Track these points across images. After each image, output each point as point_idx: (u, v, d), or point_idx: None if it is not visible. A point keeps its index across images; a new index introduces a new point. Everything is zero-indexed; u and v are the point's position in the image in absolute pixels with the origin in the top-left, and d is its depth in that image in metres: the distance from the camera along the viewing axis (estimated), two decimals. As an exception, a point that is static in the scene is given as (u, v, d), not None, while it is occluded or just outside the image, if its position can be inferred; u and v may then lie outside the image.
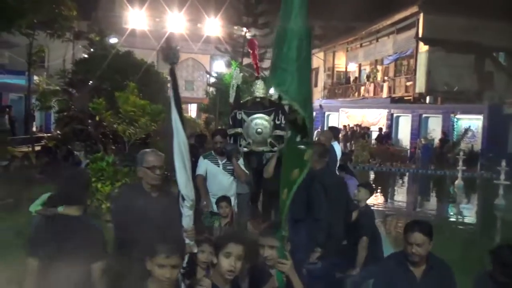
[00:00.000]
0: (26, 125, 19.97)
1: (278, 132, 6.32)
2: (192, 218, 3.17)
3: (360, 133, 25.22)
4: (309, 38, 2.68)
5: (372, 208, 5.82)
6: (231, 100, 6.70)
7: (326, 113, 29.74)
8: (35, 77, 19.80)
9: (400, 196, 16.22)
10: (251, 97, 6.61)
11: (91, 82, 10.19)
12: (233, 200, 5.45)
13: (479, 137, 21.56)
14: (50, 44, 18.91)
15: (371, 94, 28.55)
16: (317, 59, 33.57)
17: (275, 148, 6.19)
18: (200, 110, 18.38)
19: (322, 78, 34.42)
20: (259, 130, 6.30)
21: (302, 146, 2.66)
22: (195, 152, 5.83)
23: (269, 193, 5.71)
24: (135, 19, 31.96)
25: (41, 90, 17.73)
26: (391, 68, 28.35)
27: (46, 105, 17.33)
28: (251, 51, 7.63)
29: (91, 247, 2.79)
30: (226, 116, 6.64)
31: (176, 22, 31.86)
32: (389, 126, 25.36)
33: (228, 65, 21.96)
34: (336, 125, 26.28)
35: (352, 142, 23.93)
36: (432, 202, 15.11)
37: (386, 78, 28.33)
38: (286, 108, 6.60)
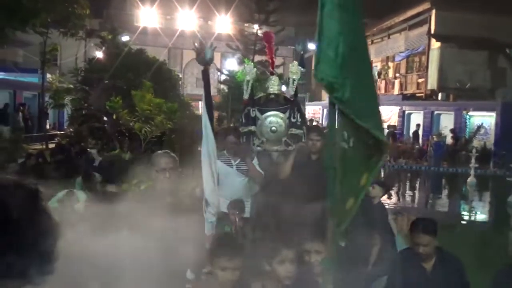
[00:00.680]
0: (39, 123, 20.21)
1: (294, 131, 5.98)
2: (215, 225, 3.12)
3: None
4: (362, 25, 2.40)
5: (384, 205, 5.87)
6: (246, 96, 6.28)
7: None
8: (48, 75, 20.03)
9: (412, 193, 16.18)
10: (265, 94, 6.25)
11: (106, 81, 10.30)
12: (248, 203, 5.27)
13: (492, 134, 21.38)
14: (63, 42, 19.11)
15: (383, 91, 28.45)
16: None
17: (290, 147, 5.84)
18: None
19: (333, 75, 34.35)
20: (273, 128, 5.91)
21: (370, 142, 2.33)
22: None
23: (283, 196, 5.29)
24: (146, 17, 32.09)
25: (54, 88, 17.95)
26: (403, 64, 28.23)
27: (59, 103, 17.56)
28: (266, 44, 7.22)
29: None
30: (239, 113, 6.47)
31: (187, 20, 31.95)
32: (401, 123, 25.24)
33: (240, 62, 21.99)
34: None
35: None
36: (444, 200, 15.05)
37: (397, 75, 28.22)
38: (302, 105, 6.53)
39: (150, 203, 3.31)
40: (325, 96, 33.74)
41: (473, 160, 15.30)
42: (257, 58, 20.95)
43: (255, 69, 6.30)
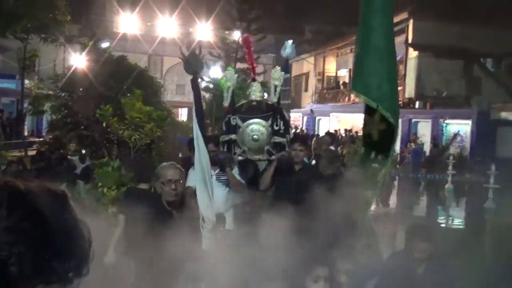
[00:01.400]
0: (18, 130, 19.92)
1: (276, 139, 5.65)
2: (213, 241, 3.02)
3: (349, 137, 25.47)
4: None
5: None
6: (226, 103, 5.94)
7: (317, 118, 29.99)
8: (26, 81, 19.78)
9: (391, 199, 16.44)
10: (247, 101, 5.93)
11: (87, 88, 10.29)
12: (230, 214, 5.06)
13: (468, 142, 21.90)
14: (42, 48, 18.91)
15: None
16: (308, 64, 33.85)
17: (273, 157, 5.53)
18: (195, 115, 18.48)
19: (312, 83, 34.72)
20: (255, 136, 5.56)
21: (376, 165, 2.37)
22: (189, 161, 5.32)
23: (264, 207, 5.05)
24: (126, 23, 31.98)
25: (33, 95, 17.74)
26: (381, 73, 28.71)
27: (39, 110, 17.35)
28: (246, 50, 6.87)
29: None
30: (222, 121, 6.27)
31: (167, 27, 31.94)
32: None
33: (223, 70, 22.08)
34: (327, 130, 26.55)
35: (341, 147, 24.17)
36: (422, 206, 15.34)
37: (376, 83, 28.69)
38: (285, 112, 6.14)
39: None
40: (304, 103, 34.06)
41: (450, 167, 15.65)
42: (239, 66, 21.09)
43: (236, 75, 6.10)
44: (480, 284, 3.71)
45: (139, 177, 3.37)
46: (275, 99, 5.83)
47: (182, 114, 34.14)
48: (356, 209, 5.55)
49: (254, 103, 5.80)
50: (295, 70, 36.81)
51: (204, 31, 31.33)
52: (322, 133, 24.03)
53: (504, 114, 21.73)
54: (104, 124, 6.08)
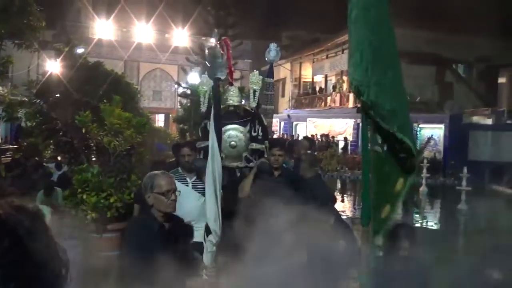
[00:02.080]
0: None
1: (255, 146, 5.42)
2: (215, 255, 2.84)
3: (325, 142, 25.78)
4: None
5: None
6: (203, 109, 5.65)
7: (294, 123, 30.24)
8: (-1, 88, 19.41)
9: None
10: (224, 106, 5.54)
11: (61, 94, 10.20)
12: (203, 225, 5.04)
13: (441, 145, 22.40)
14: (15, 53, 18.60)
15: (338, 104, 29.23)
16: (284, 70, 34.14)
17: (251, 164, 5.27)
18: (174, 121, 18.38)
19: (289, 88, 35.01)
20: (232, 143, 5.30)
21: (403, 155, 2.20)
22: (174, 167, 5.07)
23: (245, 215, 4.62)
24: (102, 29, 31.74)
25: (7, 101, 17.40)
26: (356, 78, 29.11)
27: (13, 116, 17.02)
28: (223, 53, 6.88)
29: None
30: (198, 127, 5.98)
31: (143, 33, 31.82)
32: (356, 135, 26.01)
33: (201, 75, 22.06)
34: (304, 135, 26.78)
35: (316, 152, 24.44)
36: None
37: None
38: (264, 118, 5.78)
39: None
40: (281, 108, 34.31)
41: (424, 170, 15.99)
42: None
43: (211, 80, 5.87)
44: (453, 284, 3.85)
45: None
46: (254, 104, 5.59)
47: (159, 120, 34.02)
48: (334, 213, 5.70)
49: (232, 108, 5.52)
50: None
51: (181, 37, 31.32)
52: (300, 138, 24.25)
53: (475, 118, 22.33)
54: (83, 130, 6.05)
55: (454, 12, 21.54)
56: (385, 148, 2.31)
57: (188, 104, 16.55)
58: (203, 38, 26.79)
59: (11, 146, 19.53)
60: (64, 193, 6.42)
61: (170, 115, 29.58)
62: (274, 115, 33.33)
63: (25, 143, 14.91)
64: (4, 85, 20.97)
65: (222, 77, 3.21)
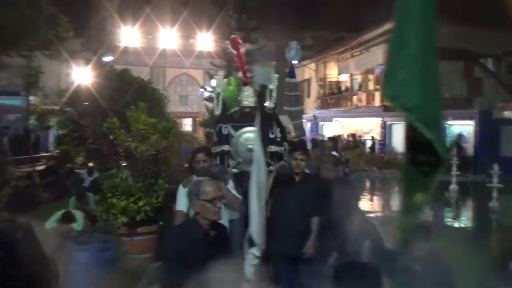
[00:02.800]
0: (24, 145, 20.13)
1: (273, 148, 5.13)
2: (257, 268, 2.69)
3: (352, 142, 25.59)
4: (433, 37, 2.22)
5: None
6: (217, 111, 5.40)
7: (320, 123, 30.12)
8: (31, 97, 20.05)
9: (397, 201, 16.52)
10: (239, 108, 5.31)
11: (88, 103, 10.52)
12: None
13: (471, 142, 21.95)
14: (45, 64, 19.18)
15: (364, 103, 28.97)
16: (309, 70, 34.05)
17: (270, 167, 4.98)
18: (200, 125, 18.61)
19: (314, 89, 34.89)
20: (250, 146, 4.92)
21: (427, 167, 2.14)
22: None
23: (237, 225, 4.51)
24: (128, 37, 32.30)
25: (39, 110, 17.98)
26: (382, 77, 28.78)
27: (45, 125, 17.57)
28: (235, 52, 6.28)
29: None
30: (213, 131, 5.73)
31: (168, 38, 32.25)
32: (383, 134, 25.72)
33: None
34: (330, 135, 26.67)
35: (342, 152, 24.26)
36: (428, 206, 15.39)
37: (378, 87, 28.79)
38: (282, 118, 5.77)
39: None
40: (308, 109, 34.20)
41: (454, 168, 15.71)
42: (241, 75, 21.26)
43: (225, 80, 5.60)
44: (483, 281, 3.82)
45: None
46: (271, 104, 5.37)
47: (186, 124, 34.40)
48: (359, 211, 5.70)
49: (247, 109, 5.22)
50: (297, 77, 36.96)
51: (205, 41, 31.61)
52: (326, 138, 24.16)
53: (506, 113, 21.80)
54: (111, 137, 6.23)
55: (481, 6, 21.11)
56: (412, 158, 2.26)
57: (212, 108, 16.75)
58: (227, 42, 27.02)
59: (44, 154, 20.09)
60: (96, 198, 6.60)
61: (197, 119, 29.85)
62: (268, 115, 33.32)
63: (57, 151, 15.35)
64: (35, 95, 21.67)
65: (268, 84, 3.15)
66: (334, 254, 4.68)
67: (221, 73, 5.52)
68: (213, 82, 21.08)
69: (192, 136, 19.42)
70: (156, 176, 5.80)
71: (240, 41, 6.26)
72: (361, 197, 13.43)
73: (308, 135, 30.52)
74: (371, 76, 29.69)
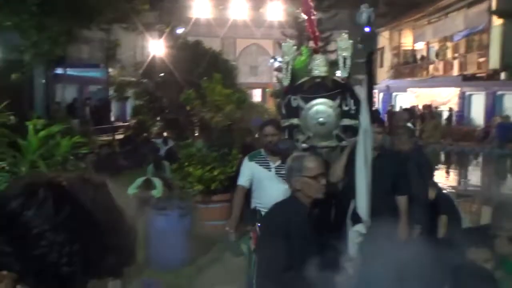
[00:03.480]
0: (105, 115, 21.26)
1: (347, 122, 4.77)
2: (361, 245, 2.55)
3: (427, 113, 24.59)
4: None
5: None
6: (285, 82, 5.02)
7: (394, 94, 29.16)
8: (109, 69, 20.98)
9: (474, 176, 15.82)
10: (309, 77, 4.90)
11: (168, 73, 10.84)
12: None
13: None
14: (122, 37, 19.92)
15: (441, 72, 27.62)
16: (382, 38, 32.84)
17: (344, 143, 4.68)
18: (270, 95, 18.69)
19: (388, 58, 33.68)
20: (321, 120, 4.67)
21: None
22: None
23: (340, 202, 4.14)
24: (199, 8, 32.70)
25: (117, 82, 18.81)
26: (462, 44, 27.22)
27: (123, 96, 18.39)
28: (305, 16, 5.76)
29: None
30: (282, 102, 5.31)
31: (238, 9, 32.29)
32: (461, 105, 24.50)
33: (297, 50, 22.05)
34: (405, 106, 25.78)
35: (417, 124, 23.39)
36: (509, 183, 14.62)
37: (456, 55, 27.28)
38: (357, 88, 4.91)
39: None
40: (380, 79, 33.19)
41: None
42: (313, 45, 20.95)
43: (294, 47, 5.11)
44: None
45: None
46: (344, 74, 4.91)
47: (256, 95, 34.65)
48: (435, 184, 5.52)
49: (318, 79, 4.83)
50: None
51: (275, 11, 31.32)
52: (399, 109, 23.41)
53: None
54: (187, 108, 6.41)
55: None
56: None
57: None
58: (297, 10, 26.60)
59: (122, 124, 21.12)
60: (172, 166, 6.88)
61: (267, 89, 29.93)
62: (373, 86, 32.41)
63: (135, 121, 16.05)
64: (114, 67, 22.65)
65: (374, 50, 2.77)
66: (416, 227, 4.59)
67: (290, 40, 5.01)
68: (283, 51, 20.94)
69: (262, 107, 19.55)
70: (231, 146, 5.93)
71: (311, 4, 5.70)
72: (436, 170, 12.95)
73: (381, 106, 29.74)
74: (449, 44, 28.13)
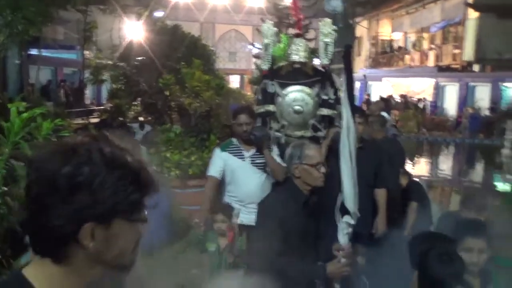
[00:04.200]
0: (79, 98, 20.95)
1: (324, 111, 4.50)
2: (350, 236, 2.59)
3: (403, 103, 24.99)
4: None
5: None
6: (264, 66, 4.67)
7: (369, 83, 29.48)
8: (86, 52, 20.64)
9: (446, 165, 16.22)
10: (287, 62, 4.60)
11: (146, 57, 10.75)
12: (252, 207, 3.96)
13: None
14: (99, 18, 19.59)
15: (417, 62, 28.04)
16: (361, 28, 33.07)
17: (320, 133, 4.44)
18: (249, 82, 18.70)
19: (366, 47, 33.96)
20: (297, 107, 4.40)
21: None
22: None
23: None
24: (179, -8, 32.31)
25: (93, 65, 18.51)
26: (438, 35, 27.65)
27: (99, 79, 18.15)
28: None
29: None
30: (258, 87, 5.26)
31: (219, -6, 32.05)
32: (435, 96, 24.97)
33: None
34: (382, 95, 26.12)
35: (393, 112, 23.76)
36: (479, 171, 15.06)
37: (432, 46, 27.71)
38: (336, 78, 4.99)
39: None
40: (358, 68, 33.47)
41: (508, 132, 15.18)
42: (293, 31, 21.01)
43: (274, 29, 4.77)
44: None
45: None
46: (325, 61, 4.60)
47: (234, 81, 34.57)
48: (407, 172, 5.69)
49: (297, 65, 4.50)
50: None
51: (255, -3, 31.15)
52: (374, 98, 23.70)
53: None
54: (166, 93, 6.42)
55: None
56: None
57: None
58: (278, -3, 26.57)
59: (98, 107, 20.84)
60: (150, 151, 6.89)
61: (245, 76, 29.91)
62: (353, 80, 32.69)
63: (111, 105, 15.86)
64: (90, 49, 22.28)
65: (352, 45, 2.75)
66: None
67: (270, 21, 4.73)
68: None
69: (240, 93, 19.54)
70: (208, 132, 5.98)
71: None
72: (410, 159, 13.26)
73: (358, 95, 30.03)
74: (426, 35, 28.53)
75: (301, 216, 2.70)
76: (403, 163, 5.55)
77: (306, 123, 4.51)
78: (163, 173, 5.75)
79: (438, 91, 25.00)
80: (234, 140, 4.14)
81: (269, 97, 4.53)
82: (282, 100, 4.49)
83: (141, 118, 12.84)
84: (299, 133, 4.49)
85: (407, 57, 29.40)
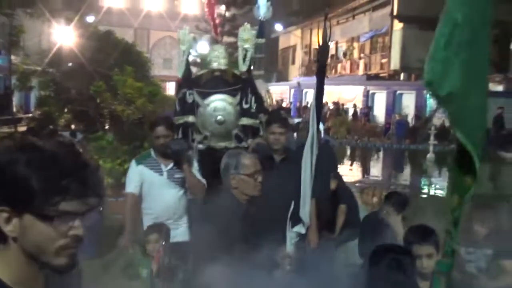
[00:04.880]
0: (6, 106, 19.96)
1: (245, 121, 4.35)
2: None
3: (334, 110, 25.88)
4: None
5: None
6: (180, 73, 4.41)
7: (304, 91, 30.25)
8: (13, 57, 19.73)
9: (375, 169, 16.96)
10: (207, 70, 4.43)
11: (76, 63, 10.46)
12: (183, 224, 3.87)
13: (451, 113, 22.33)
14: (26, 23, 18.81)
15: (348, 71, 29.14)
16: (295, 37, 33.91)
17: (243, 144, 4.29)
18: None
19: (299, 56, 34.84)
20: (219, 118, 4.25)
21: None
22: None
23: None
24: (112, -3, 31.67)
25: (20, 70, 17.72)
26: (367, 45, 28.93)
27: (27, 86, 17.39)
28: (205, 1, 5.30)
29: None
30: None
31: (153, 0, 31.72)
32: (365, 103, 26.02)
33: (211, 44, 22.10)
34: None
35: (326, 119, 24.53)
36: (406, 174, 15.86)
37: (362, 55, 28.90)
38: (260, 84, 4.87)
39: None
40: (292, 76, 34.25)
41: (432, 137, 16.13)
42: (227, 39, 21.19)
43: (191, 35, 4.58)
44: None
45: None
46: (244, 68, 4.44)
47: (169, 88, 34.23)
48: (338, 176, 5.92)
49: (217, 73, 4.37)
50: (282, 43, 36.80)
51: (190, 3, 31.16)
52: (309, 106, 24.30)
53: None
54: (98, 100, 6.30)
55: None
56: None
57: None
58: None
59: (26, 115, 19.92)
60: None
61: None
62: (284, 82, 33.23)
63: (39, 112, 15.24)
64: (17, 54, 21.29)
65: (326, 60, 2.82)
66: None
67: (186, 27, 4.58)
68: (199, 47, 20.94)
69: (175, 100, 19.37)
70: (142, 139, 5.92)
71: None
72: (341, 164, 13.76)
73: (293, 102, 30.70)
74: (356, 44, 29.73)
75: (240, 226, 2.64)
76: (335, 168, 5.72)
77: (229, 133, 4.36)
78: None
79: (368, 98, 26.10)
80: (153, 152, 3.89)
81: (188, 108, 4.31)
82: (203, 110, 4.30)
83: (72, 126, 12.46)
84: (222, 144, 4.32)
85: (338, 65, 30.44)
